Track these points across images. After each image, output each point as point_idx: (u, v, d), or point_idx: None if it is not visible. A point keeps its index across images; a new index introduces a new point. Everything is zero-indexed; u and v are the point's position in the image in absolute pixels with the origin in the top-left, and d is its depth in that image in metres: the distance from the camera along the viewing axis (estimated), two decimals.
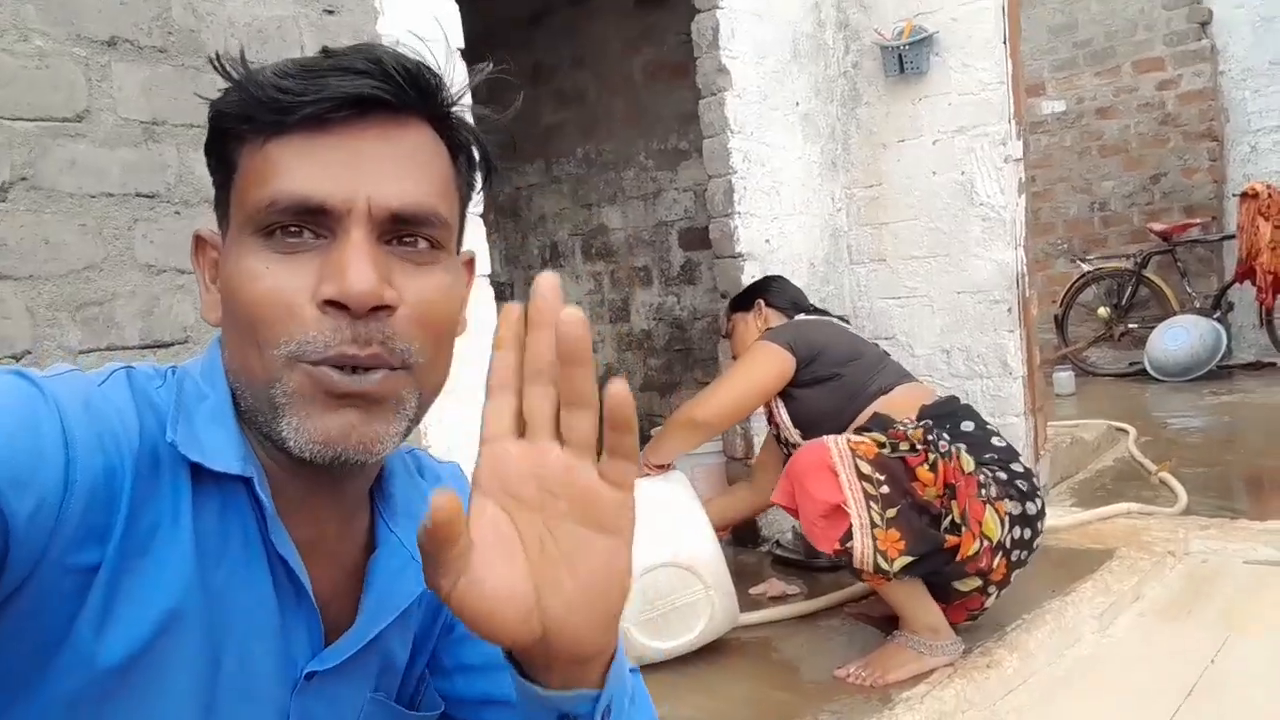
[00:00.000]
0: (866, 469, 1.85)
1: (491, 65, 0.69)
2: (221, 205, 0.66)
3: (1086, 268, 6.48)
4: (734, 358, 2.53)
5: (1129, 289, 6.33)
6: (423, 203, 0.63)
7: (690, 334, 3.87)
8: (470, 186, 0.71)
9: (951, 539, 1.84)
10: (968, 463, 1.93)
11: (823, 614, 2.36)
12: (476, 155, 0.70)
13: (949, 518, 1.85)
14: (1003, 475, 2.01)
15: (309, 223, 0.61)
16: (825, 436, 1.94)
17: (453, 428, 2.05)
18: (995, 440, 2.11)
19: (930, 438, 1.91)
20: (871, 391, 2.19)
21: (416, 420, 0.65)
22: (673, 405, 3.94)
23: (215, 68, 0.63)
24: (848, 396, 2.20)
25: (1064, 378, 5.74)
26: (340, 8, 1.88)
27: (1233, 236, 5.75)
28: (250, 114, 0.62)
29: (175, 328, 1.65)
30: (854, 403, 2.18)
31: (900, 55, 3.09)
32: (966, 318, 3.12)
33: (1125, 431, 4.22)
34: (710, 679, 1.98)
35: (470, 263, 0.73)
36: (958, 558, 1.86)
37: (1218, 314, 5.93)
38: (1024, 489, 2.01)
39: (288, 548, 0.65)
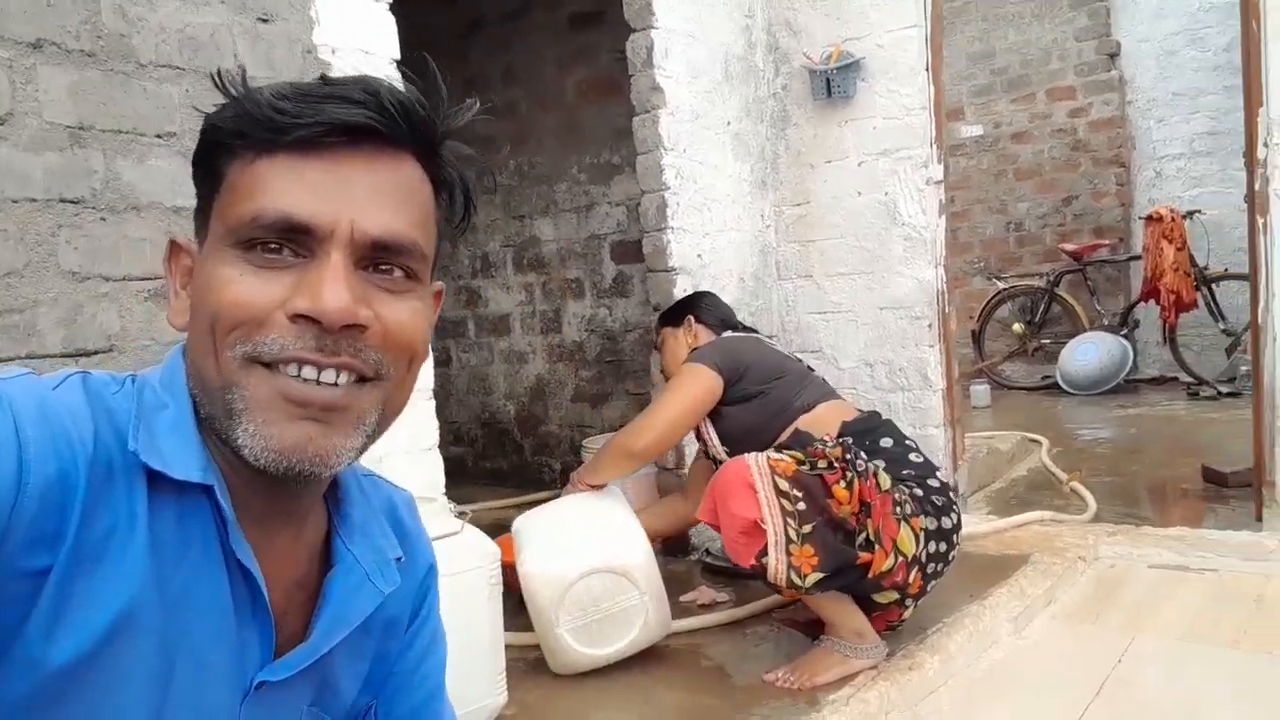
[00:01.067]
0: (784, 486, 1.91)
1: (478, 104, 0.71)
2: (202, 215, 0.67)
3: (1002, 285, 6.72)
4: (662, 371, 2.59)
5: (1042, 306, 6.58)
6: (403, 233, 0.65)
7: (622, 346, 3.91)
8: (448, 222, 0.72)
9: (864, 555, 1.90)
10: (884, 480, 1.99)
11: (751, 620, 2.41)
12: (459, 193, 0.72)
13: (863, 534, 1.91)
14: (919, 491, 2.07)
15: (290, 241, 0.62)
16: (746, 454, 1.99)
17: (387, 434, 2.04)
18: (913, 456, 2.17)
19: (849, 456, 1.97)
20: (795, 408, 2.25)
21: (374, 438, 0.66)
22: (604, 417, 3.97)
23: (215, 84, 0.64)
24: (772, 413, 2.26)
25: (980, 391, 5.94)
26: (275, 16, 1.87)
27: (1139, 257, 6.02)
28: (244, 130, 0.63)
29: (99, 336, 1.62)
30: (778, 419, 2.25)
31: (828, 79, 3.19)
32: (889, 333, 3.22)
33: (1038, 442, 4.39)
34: (642, 685, 2.01)
35: (438, 294, 0.75)
36: (870, 574, 1.91)
37: (1124, 331, 6.21)
38: (939, 504, 2.08)
39: (248, 556, 0.65)
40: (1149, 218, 5.73)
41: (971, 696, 1.99)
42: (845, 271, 3.29)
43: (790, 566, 1.86)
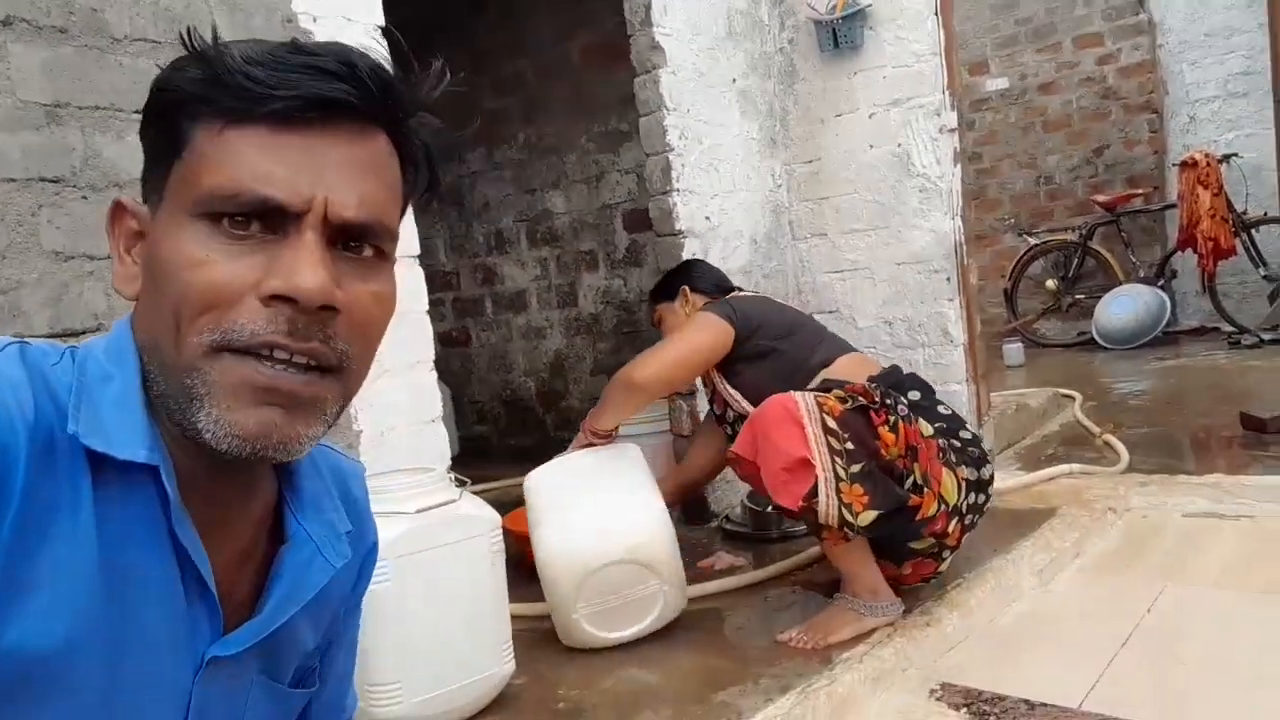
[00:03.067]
0: (832, 424, 1.83)
1: (445, 66, 0.68)
2: (157, 179, 0.64)
3: (1033, 241, 6.56)
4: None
5: (1075, 261, 6.43)
6: (376, 213, 0.63)
7: (638, 316, 3.87)
8: (409, 198, 0.71)
9: (914, 498, 1.85)
10: (925, 427, 1.94)
11: (770, 584, 2.36)
12: (425, 166, 0.71)
13: (910, 478, 1.86)
14: (955, 442, 2.02)
15: (261, 217, 0.60)
16: (791, 392, 1.92)
17: (385, 409, 2.03)
18: (941, 409, 2.11)
19: (887, 401, 1.91)
20: (814, 364, 2.19)
21: (333, 424, 0.65)
22: None
23: (184, 44, 0.61)
24: (791, 369, 2.18)
25: (1013, 350, 5.81)
26: None
27: (1174, 205, 5.85)
28: (211, 95, 0.60)
29: (86, 315, 1.61)
30: (798, 374, 2.17)
31: (834, 30, 3.10)
32: (907, 288, 3.14)
33: (1071, 398, 4.28)
34: (653, 653, 1.97)
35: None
36: (918, 517, 1.87)
37: (1161, 282, 6.04)
38: (974, 455, 2.03)
39: (191, 538, 0.64)
40: (1183, 164, 5.56)
41: (992, 651, 1.94)
42: (860, 228, 3.21)
43: (842, 505, 1.79)
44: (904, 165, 3.09)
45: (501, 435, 4.50)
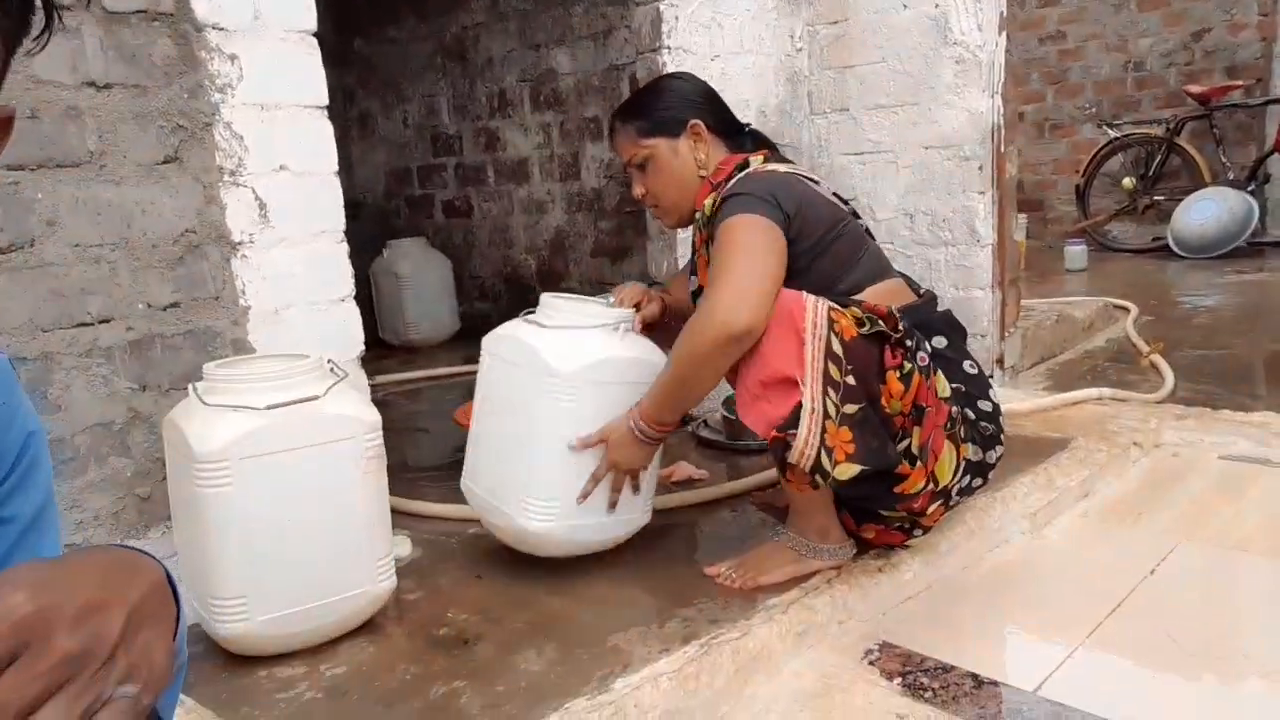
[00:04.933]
0: (838, 349, 1.47)
1: None
2: None
3: (1114, 133, 5.95)
4: (656, 206, 1.88)
5: (1159, 158, 5.82)
6: None
7: None
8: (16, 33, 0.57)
9: (904, 467, 1.52)
10: (943, 385, 1.58)
11: (728, 502, 2.10)
12: None
13: (906, 443, 1.51)
14: (970, 413, 1.66)
15: None
16: (803, 292, 1.52)
17: (280, 283, 1.77)
18: (968, 365, 1.70)
19: (909, 342, 1.53)
20: (841, 289, 1.67)
21: None
22: (623, 273, 3.63)
23: None
24: (813, 291, 1.61)
25: (1076, 252, 5.31)
26: None
27: (1278, 101, 5.18)
28: None
29: None
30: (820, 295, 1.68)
31: None
32: (933, 176, 2.74)
33: (1125, 309, 3.86)
34: (574, 579, 1.74)
35: (8, 120, 0.60)
36: (896, 489, 1.54)
37: (1252, 186, 5.43)
38: (987, 433, 1.67)
39: None
40: None
41: (953, 607, 1.66)
42: (886, 103, 2.80)
43: (824, 447, 1.44)
44: (940, 30, 2.65)
45: (503, 315, 4.23)
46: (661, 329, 1.89)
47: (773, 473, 2.13)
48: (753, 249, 1.56)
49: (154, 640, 0.49)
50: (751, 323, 1.49)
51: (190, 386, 1.50)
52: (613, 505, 1.70)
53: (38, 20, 0.59)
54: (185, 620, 0.62)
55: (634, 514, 1.76)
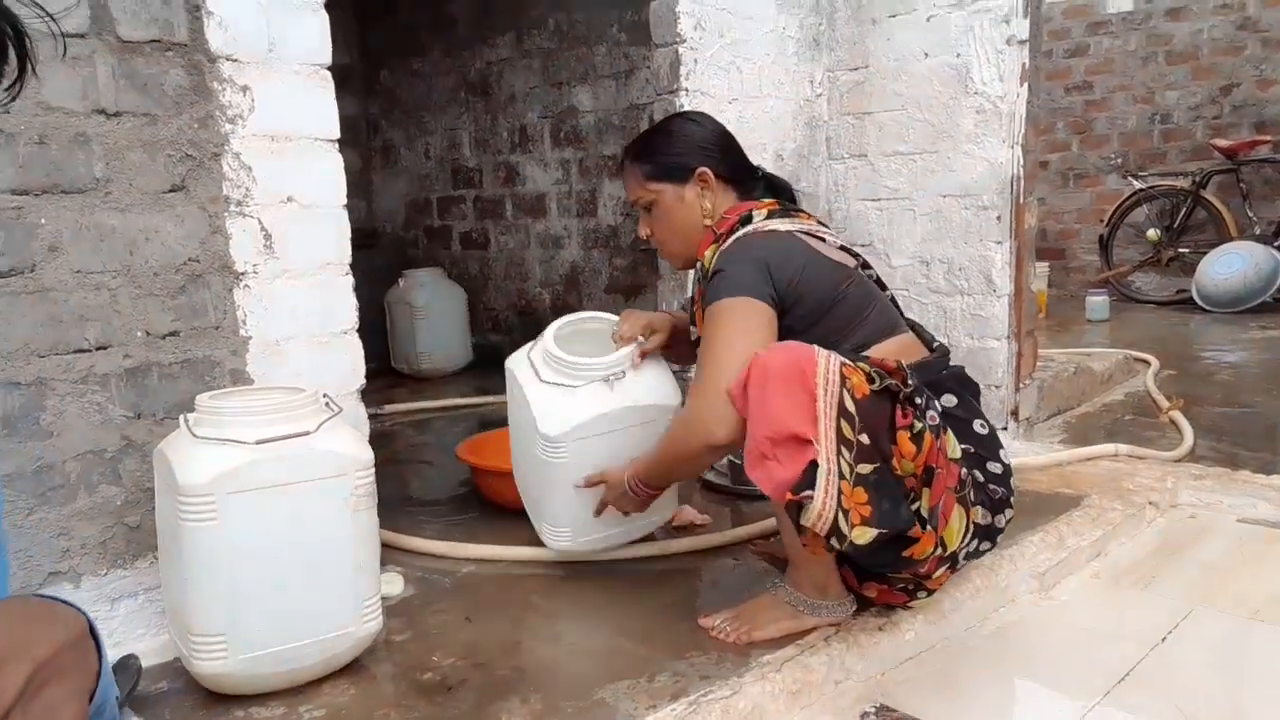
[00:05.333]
0: (850, 407, 1.40)
1: None
2: None
3: (1139, 185, 5.91)
4: (661, 245, 1.85)
5: (1184, 210, 5.77)
6: None
7: None
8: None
9: (916, 530, 1.44)
10: (953, 447, 1.52)
11: (729, 550, 2.06)
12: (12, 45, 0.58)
13: (916, 505, 1.45)
14: (980, 475, 1.60)
15: None
16: (815, 346, 1.46)
17: (282, 315, 1.76)
18: (978, 426, 1.64)
19: (919, 400, 1.47)
20: (847, 349, 1.58)
21: None
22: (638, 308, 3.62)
23: None
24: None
25: (1098, 302, 5.26)
26: None
27: None
28: None
29: None
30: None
31: None
32: (950, 225, 2.72)
33: (1146, 362, 3.80)
34: (566, 624, 1.71)
35: None
36: (905, 553, 1.47)
37: (1278, 242, 5.36)
38: (997, 497, 1.61)
39: None
40: None
41: (956, 669, 1.61)
42: (905, 150, 2.78)
43: (841, 509, 1.37)
44: (961, 80, 2.64)
45: (515, 347, 4.23)
46: (675, 344, 1.93)
47: (774, 521, 2.09)
48: (734, 343, 1.54)
49: (62, 698, 0.46)
50: (733, 435, 1.51)
51: (182, 417, 1.48)
52: (626, 513, 1.86)
53: (10, 69, 0.59)
54: (109, 672, 0.59)
55: (653, 516, 1.95)
